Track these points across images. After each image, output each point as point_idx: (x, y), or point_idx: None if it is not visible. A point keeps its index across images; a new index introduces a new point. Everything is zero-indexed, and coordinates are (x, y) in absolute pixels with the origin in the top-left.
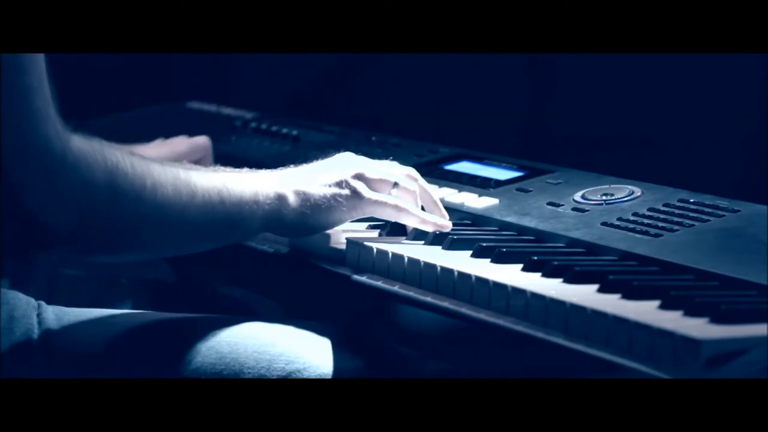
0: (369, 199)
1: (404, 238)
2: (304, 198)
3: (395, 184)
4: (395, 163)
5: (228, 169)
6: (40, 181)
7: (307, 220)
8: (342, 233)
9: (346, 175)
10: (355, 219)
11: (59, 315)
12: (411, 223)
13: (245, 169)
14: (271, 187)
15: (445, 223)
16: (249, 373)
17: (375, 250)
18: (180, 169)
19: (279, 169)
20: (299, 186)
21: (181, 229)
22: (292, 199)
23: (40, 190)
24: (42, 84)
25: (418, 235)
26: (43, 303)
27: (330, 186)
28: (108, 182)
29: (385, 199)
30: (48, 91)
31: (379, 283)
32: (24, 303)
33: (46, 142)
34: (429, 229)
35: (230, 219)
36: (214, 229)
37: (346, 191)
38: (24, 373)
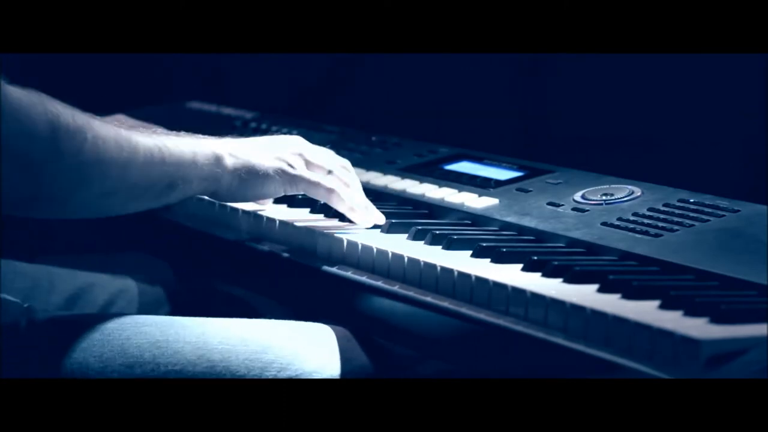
0: (304, 177)
1: (405, 237)
2: (242, 163)
3: (329, 172)
4: (332, 152)
5: (166, 131)
6: None
7: (242, 186)
8: (339, 231)
9: (286, 150)
10: (287, 194)
11: (48, 318)
12: (340, 208)
13: (183, 133)
14: (209, 147)
15: (371, 220)
16: None
17: (375, 250)
18: (121, 127)
19: (222, 138)
20: (237, 151)
21: (123, 184)
22: (228, 162)
23: None
24: None
25: (418, 234)
26: (32, 305)
27: (268, 157)
28: (49, 132)
29: (319, 179)
30: None
31: (379, 283)
32: (12, 306)
33: None
34: (356, 219)
35: (169, 177)
36: (154, 188)
37: (283, 164)
38: (11, 372)
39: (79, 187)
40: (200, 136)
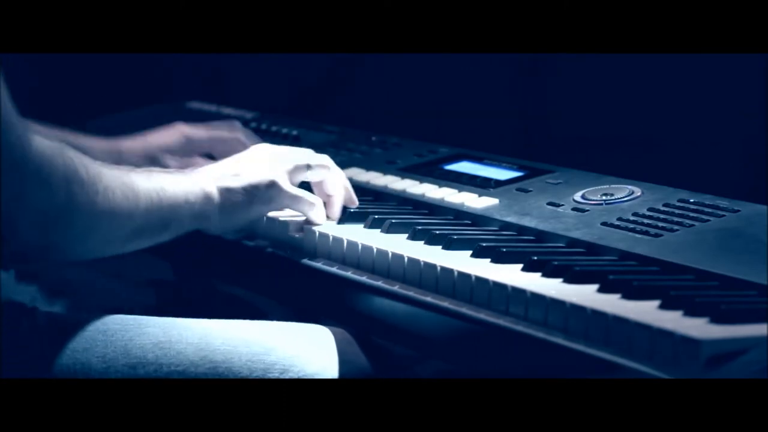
0: (287, 192)
1: (405, 237)
2: (227, 195)
3: (308, 167)
4: (309, 150)
5: (157, 169)
6: (5, 186)
7: (229, 219)
8: (339, 231)
9: (265, 168)
10: (273, 210)
11: (52, 321)
12: (315, 221)
13: (174, 170)
14: (198, 185)
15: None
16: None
17: (375, 250)
18: (123, 172)
19: (205, 167)
20: (222, 182)
21: (126, 230)
22: (216, 197)
23: (6, 195)
24: (1, 93)
25: (418, 234)
26: (37, 308)
27: (250, 180)
28: (65, 186)
29: (301, 194)
30: (7, 98)
31: (379, 283)
32: (16, 307)
33: (9, 150)
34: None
35: (165, 220)
36: (152, 230)
37: (264, 183)
38: (14, 373)
39: (86, 236)
40: (189, 171)
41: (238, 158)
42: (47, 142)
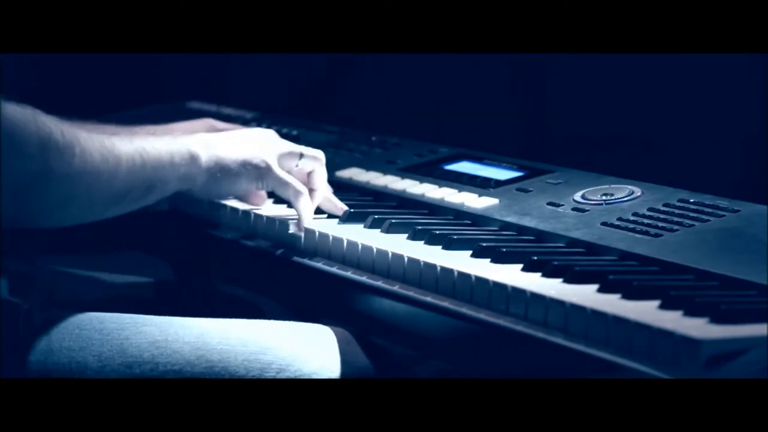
0: (275, 174)
1: (405, 236)
2: (216, 160)
3: (301, 155)
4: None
5: (143, 132)
6: None
7: (215, 184)
8: (339, 231)
9: (259, 146)
10: (259, 189)
11: (49, 320)
12: (302, 212)
13: (159, 128)
14: (185, 146)
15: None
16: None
17: (375, 250)
18: (104, 136)
19: (200, 134)
20: (212, 148)
21: (108, 194)
22: (204, 160)
23: None
24: None
25: (418, 234)
26: (32, 306)
27: (240, 154)
28: (41, 151)
29: (289, 180)
30: None
31: (379, 283)
32: (12, 307)
33: None
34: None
35: (149, 182)
36: (134, 192)
37: (256, 160)
38: (11, 372)
39: (66, 201)
40: (176, 130)
41: (236, 132)
42: (19, 108)
